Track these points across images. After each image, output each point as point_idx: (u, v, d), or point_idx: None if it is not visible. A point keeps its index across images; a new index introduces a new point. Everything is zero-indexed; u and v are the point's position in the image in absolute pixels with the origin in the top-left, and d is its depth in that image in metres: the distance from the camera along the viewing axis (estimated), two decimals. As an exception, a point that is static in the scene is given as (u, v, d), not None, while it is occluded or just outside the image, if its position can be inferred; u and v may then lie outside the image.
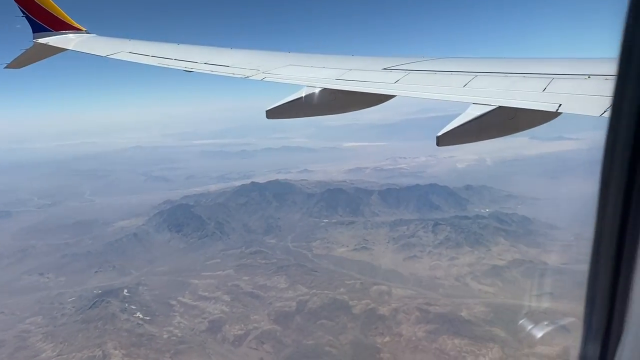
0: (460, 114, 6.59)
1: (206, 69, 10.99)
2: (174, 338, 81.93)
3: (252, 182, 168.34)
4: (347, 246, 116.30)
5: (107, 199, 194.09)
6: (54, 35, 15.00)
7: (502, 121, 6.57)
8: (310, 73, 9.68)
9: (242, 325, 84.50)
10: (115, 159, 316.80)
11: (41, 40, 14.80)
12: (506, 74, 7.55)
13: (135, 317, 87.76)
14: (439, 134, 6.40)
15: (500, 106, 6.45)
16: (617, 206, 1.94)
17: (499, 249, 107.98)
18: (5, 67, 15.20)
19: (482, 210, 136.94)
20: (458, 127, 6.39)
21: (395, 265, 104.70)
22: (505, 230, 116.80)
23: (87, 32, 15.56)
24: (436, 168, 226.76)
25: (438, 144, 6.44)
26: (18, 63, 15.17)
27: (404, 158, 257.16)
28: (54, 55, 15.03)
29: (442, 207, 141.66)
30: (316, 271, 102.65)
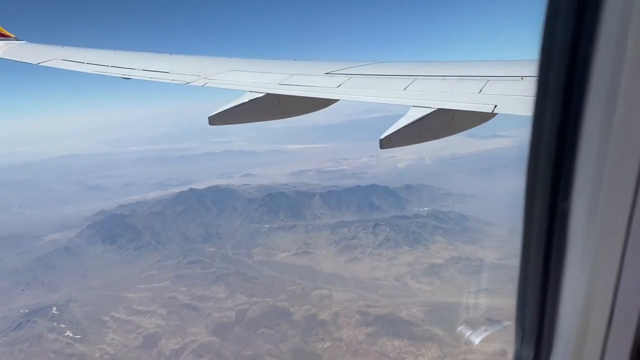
0: (401, 114, 6.74)
1: (145, 75, 10.72)
2: (107, 356, 78.34)
3: (191, 189, 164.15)
4: (289, 251, 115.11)
5: (37, 211, 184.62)
6: None
7: (442, 123, 6.74)
8: (253, 78, 9.60)
9: (179, 339, 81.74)
10: (47, 168, 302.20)
11: None
12: (444, 77, 7.70)
13: (65, 336, 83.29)
14: (382, 137, 6.50)
15: (439, 108, 6.60)
16: (544, 204, 1.96)
17: (437, 247, 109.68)
18: None
19: (421, 209, 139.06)
20: (400, 129, 6.50)
21: (336, 268, 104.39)
22: (443, 228, 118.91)
23: (16, 39, 14.83)
24: (377, 168, 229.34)
25: (381, 147, 6.58)
26: None
27: (347, 159, 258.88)
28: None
29: (383, 208, 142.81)
30: (257, 278, 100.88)
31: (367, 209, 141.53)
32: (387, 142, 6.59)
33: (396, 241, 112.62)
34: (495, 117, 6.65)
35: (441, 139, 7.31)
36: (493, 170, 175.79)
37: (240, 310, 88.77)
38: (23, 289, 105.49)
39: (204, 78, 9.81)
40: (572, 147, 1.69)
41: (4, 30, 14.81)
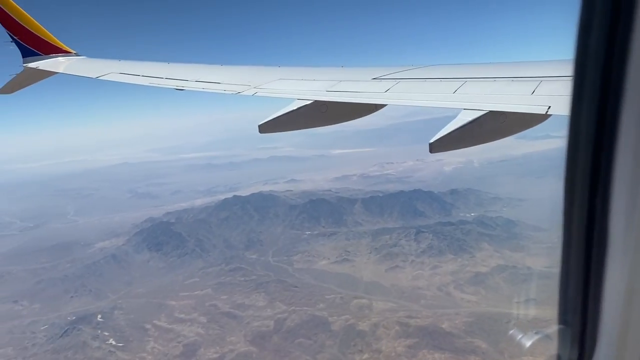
0: (448, 115, 6.67)
1: (197, 86, 11.00)
2: (147, 365, 79.30)
3: (235, 196, 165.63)
4: (329, 259, 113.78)
5: (90, 218, 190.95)
6: (44, 59, 15.00)
7: (494, 125, 6.61)
8: (301, 86, 9.68)
9: (218, 348, 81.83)
10: (102, 176, 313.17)
11: (31, 65, 14.79)
12: (495, 79, 7.60)
13: (108, 344, 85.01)
14: (431, 140, 6.37)
15: (490, 111, 6.48)
16: (583, 204, 1.98)
17: (482, 254, 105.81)
18: None
19: (467, 215, 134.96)
20: (450, 133, 6.35)
21: (376, 277, 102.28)
22: (490, 234, 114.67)
23: (76, 55, 15.55)
24: (423, 172, 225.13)
25: (431, 151, 6.50)
26: (9, 88, 15.11)
27: (391, 163, 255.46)
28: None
29: (426, 214, 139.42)
30: (296, 286, 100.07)
31: (410, 215, 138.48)
32: (437, 146, 6.47)
33: (440, 249, 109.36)
34: (548, 118, 6.57)
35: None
36: (544, 172, 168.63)
37: (279, 319, 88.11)
38: (72, 296, 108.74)
39: (254, 87, 10.01)
40: (609, 146, 1.69)
41: (65, 46, 15.46)
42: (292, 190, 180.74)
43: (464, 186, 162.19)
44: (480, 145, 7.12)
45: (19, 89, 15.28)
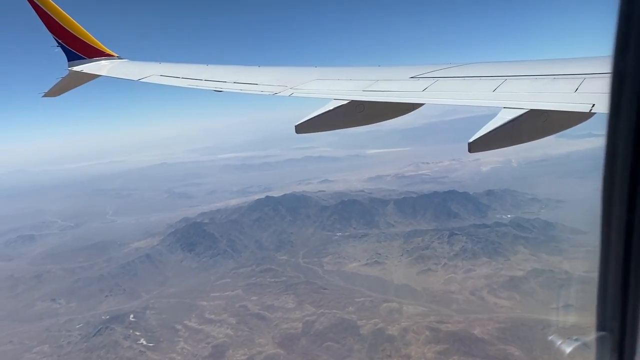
0: (487, 114, 6.56)
1: (235, 87, 11.21)
2: (176, 366, 79.90)
3: (267, 196, 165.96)
4: (359, 261, 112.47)
5: (128, 218, 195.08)
6: (88, 63, 15.44)
7: (535, 124, 6.52)
8: (337, 86, 9.64)
9: (246, 350, 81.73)
10: (141, 176, 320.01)
11: (76, 68, 15.22)
12: (536, 77, 7.45)
13: (139, 344, 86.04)
14: (471, 140, 6.24)
15: (532, 109, 6.36)
16: (622, 206, 1.95)
17: (518, 258, 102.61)
18: (43, 96, 15.60)
19: (503, 217, 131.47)
20: (489, 132, 6.22)
21: (407, 280, 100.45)
22: (526, 237, 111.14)
23: (118, 58, 15.90)
24: (460, 172, 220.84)
25: (470, 151, 6.34)
26: (55, 92, 15.55)
27: (427, 163, 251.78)
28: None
29: (461, 215, 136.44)
30: (326, 289, 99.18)
31: (444, 216, 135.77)
32: (476, 146, 6.27)
33: (473, 252, 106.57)
34: (591, 117, 6.37)
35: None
36: (586, 172, 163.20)
37: (308, 321, 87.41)
38: (106, 295, 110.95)
39: (290, 88, 9.98)
40: None
41: (108, 50, 15.82)
42: (324, 191, 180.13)
43: (501, 187, 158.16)
44: (520, 145, 7.00)
45: (65, 91, 15.71)
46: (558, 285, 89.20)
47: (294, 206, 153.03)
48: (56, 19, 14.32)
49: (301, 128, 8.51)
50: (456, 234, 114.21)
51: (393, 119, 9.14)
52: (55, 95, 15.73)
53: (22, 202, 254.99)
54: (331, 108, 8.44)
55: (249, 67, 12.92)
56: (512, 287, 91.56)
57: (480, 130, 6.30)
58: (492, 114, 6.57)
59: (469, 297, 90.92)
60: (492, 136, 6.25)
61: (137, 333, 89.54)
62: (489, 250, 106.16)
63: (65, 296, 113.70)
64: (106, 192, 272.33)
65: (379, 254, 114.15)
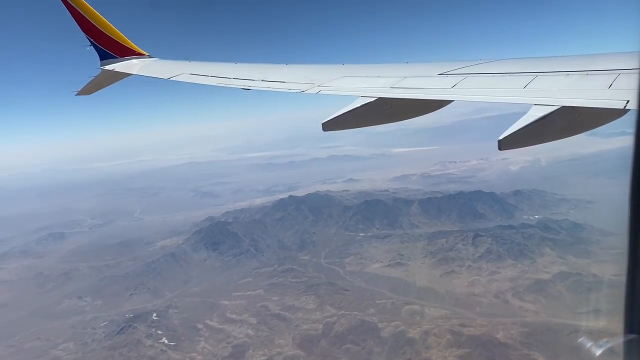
0: (517, 112, 6.48)
1: (263, 85, 11.22)
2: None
3: (290, 196, 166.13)
4: (382, 262, 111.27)
5: (155, 216, 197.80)
6: (119, 62, 15.70)
7: (567, 121, 6.42)
8: (365, 83, 9.58)
9: (266, 350, 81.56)
10: (169, 175, 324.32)
11: (108, 67, 15.53)
12: (568, 73, 7.29)
13: (160, 342, 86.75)
14: (501, 137, 6.16)
15: (563, 106, 6.27)
16: None
17: (544, 260, 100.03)
18: (76, 95, 15.85)
19: (530, 218, 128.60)
20: (520, 129, 6.14)
21: (430, 282, 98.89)
22: (553, 239, 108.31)
23: (149, 57, 16.12)
24: (487, 172, 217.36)
25: (500, 148, 6.22)
26: (87, 90, 15.82)
27: (454, 162, 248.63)
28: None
29: (487, 216, 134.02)
30: (347, 290, 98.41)
31: (470, 217, 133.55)
32: (506, 143, 6.14)
33: (498, 253, 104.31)
34: (625, 113, 6.12)
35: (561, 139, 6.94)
36: (618, 172, 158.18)
37: (328, 323, 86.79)
38: (131, 294, 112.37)
39: (318, 86, 9.95)
40: None
41: (139, 49, 16.02)
42: (348, 190, 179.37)
43: (529, 187, 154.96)
44: (549, 144, 6.92)
45: (97, 90, 15.97)
46: (586, 288, 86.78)
47: (317, 206, 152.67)
48: (89, 19, 14.65)
49: (328, 125, 8.51)
50: (481, 235, 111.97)
51: (421, 117, 9.07)
52: (87, 94, 16.07)
53: (53, 201, 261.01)
54: (358, 105, 8.43)
55: (277, 65, 13.02)
56: (537, 291, 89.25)
57: (511, 128, 6.22)
58: (522, 112, 6.48)
59: (492, 300, 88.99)
60: (522, 133, 6.17)
61: (159, 332, 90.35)
62: (515, 252, 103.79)
63: (92, 294, 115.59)
64: (134, 190, 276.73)
65: (402, 255, 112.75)
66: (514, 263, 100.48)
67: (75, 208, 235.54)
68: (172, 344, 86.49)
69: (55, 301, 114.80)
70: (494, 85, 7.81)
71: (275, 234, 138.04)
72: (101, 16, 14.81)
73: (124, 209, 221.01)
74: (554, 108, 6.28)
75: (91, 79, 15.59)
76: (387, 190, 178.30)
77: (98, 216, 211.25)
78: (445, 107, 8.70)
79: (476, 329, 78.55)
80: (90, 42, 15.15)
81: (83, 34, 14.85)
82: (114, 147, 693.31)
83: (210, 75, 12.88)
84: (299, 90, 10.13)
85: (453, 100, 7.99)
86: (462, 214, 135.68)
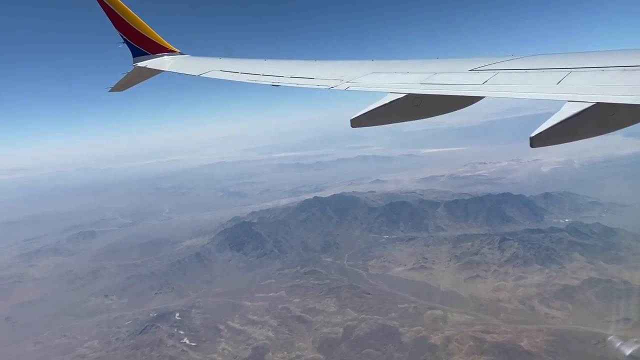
0: (550, 112, 6.38)
1: (292, 82, 11.25)
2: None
3: (315, 197, 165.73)
4: (405, 265, 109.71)
5: (183, 216, 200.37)
6: (152, 58, 15.96)
7: (602, 118, 6.27)
8: (394, 79, 9.55)
9: (286, 353, 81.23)
10: (199, 175, 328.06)
11: (140, 64, 15.77)
12: (603, 68, 7.11)
13: (182, 343, 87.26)
14: (533, 134, 6.05)
15: (598, 102, 6.12)
16: None
17: (573, 266, 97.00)
18: (110, 91, 16.16)
19: (560, 221, 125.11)
20: (553, 126, 6.04)
21: (454, 287, 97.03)
22: (583, 244, 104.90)
23: (181, 53, 16.35)
24: (518, 173, 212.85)
25: (532, 145, 6.10)
26: (121, 86, 16.07)
27: (484, 163, 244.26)
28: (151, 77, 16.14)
29: (515, 219, 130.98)
30: (369, 293, 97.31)
31: (497, 220, 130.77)
32: (539, 140, 6.02)
33: (525, 258, 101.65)
34: None
35: (596, 139, 6.72)
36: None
37: (349, 326, 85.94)
38: (156, 293, 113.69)
39: (347, 82, 9.93)
40: None
41: (170, 45, 16.25)
42: (374, 192, 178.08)
43: (560, 189, 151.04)
44: (583, 144, 6.71)
45: (130, 86, 16.20)
46: (616, 296, 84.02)
47: (341, 207, 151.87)
48: (122, 16, 14.86)
49: (356, 122, 8.42)
50: (508, 239, 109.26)
51: (451, 118, 8.59)
52: (121, 90, 16.31)
53: (86, 199, 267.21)
54: (387, 101, 8.37)
55: (306, 62, 12.95)
56: (565, 297, 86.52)
57: (544, 124, 6.10)
58: (555, 111, 6.36)
59: (518, 307, 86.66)
60: (555, 130, 6.03)
61: (181, 332, 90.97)
62: (542, 257, 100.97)
63: (118, 292, 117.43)
64: (165, 190, 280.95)
65: (426, 259, 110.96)
66: (541, 268, 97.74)
67: (106, 207, 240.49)
68: (193, 344, 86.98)
69: (83, 299, 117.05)
70: (526, 81, 7.68)
71: (299, 235, 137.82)
72: (134, 13, 15.05)
73: (154, 208, 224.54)
74: (589, 105, 6.14)
75: (124, 75, 15.86)
76: (414, 192, 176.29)
77: (128, 215, 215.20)
78: (475, 107, 8.71)
79: (500, 336, 76.59)
80: (123, 39, 15.42)
81: (116, 31, 15.12)
82: (147, 147, 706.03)
83: (239, 71, 12.95)
84: (328, 87, 10.10)
85: (484, 97, 7.93)
86: (490, 217, 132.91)
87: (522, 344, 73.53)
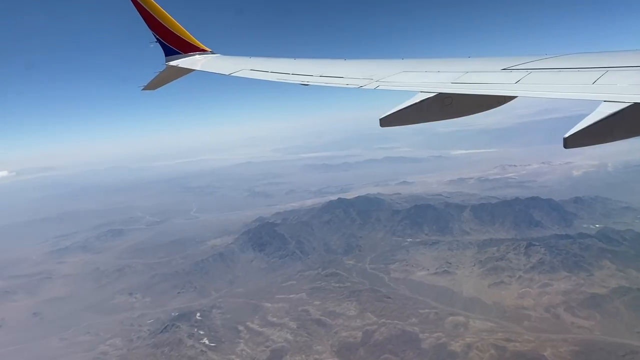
0: (584, 113, 6.26)
1: (321, 81, 11.23)
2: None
3: (339, 198, 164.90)
4: (428, 269, 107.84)
5: (209, 215, 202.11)
6: (183, 58, 16.31)
7: (639, 119, 6.03)
8: (425, 78, 9.49)
9: (303, 357, 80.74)
10: (226, 175, 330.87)
11: (172, 63, 16.13)
12: None
13: (201, 343, 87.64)
14: (567, 134, 5.95)
15: (636, 102, 5.98)
16: None
17: (602, 274, 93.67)
18: (142, 90, 16.55)
19: (590, 227, 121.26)
20: (588, 126, 5.91)
21: (477, 293, 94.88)
22: (613, 251, 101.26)
23: (212, 53, 16.66)
24: (549, 176, 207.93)
25: (566, 146, 6.00)
26: (153, 85, 16.47)
27: (514, 166, 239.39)
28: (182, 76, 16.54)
29: (543, 224, 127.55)
30: (390, 297, 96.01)
31: (525, 225, 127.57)
32: (573, 141, 5.92)
33: (552, 265, 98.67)
34: None
35: (631, 141, 6.63)
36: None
37: (368, 331, 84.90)
38: (179, 292, 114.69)
39: (376, 81, 9.86)
40: None
41: (202, 45, 16.55)
42: (400, 194, 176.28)
43: (592, 193, 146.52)
44: (618, 147, 6.55)
45: (162, 85, 16.54)
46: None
47: (365, 209, 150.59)
48: (156, 16, 15.26)
49: (386, 121, 8.38)
50: (534, 245, 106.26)
51: (481, 119, 7.94)
52: (153, 89, 16.63)
53: (116, 198, 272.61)
54: (417, 100, 8.27)
55: (335, 61, 13.01)
56: (592, 306, 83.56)
57: (578, 125, 5.97)
58: (590, 112, 6.22)
59: (542, 315, 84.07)
60: (590, 131, 5.88)
61: (201, 332, 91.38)
62: (570, 263, 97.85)
63: (142, 291, 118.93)
64: (193, 189, 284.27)
65: (450, 263, 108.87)
66: (568, 275, 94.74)
67: (136, 205, 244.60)
68: (213, 344, 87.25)
69: (108, 297, 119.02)
70: (561, 81, 7.54)
71: (321, 236, 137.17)
72: (167, 13, 15.40)
73: (181, 207, 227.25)
74: (626, 105, 5.97)
75: (156, 74, 16.18)
76: (440, 194, 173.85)
77: (156, 214, 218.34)
78: (507, 107, 8.66)
79: (522, 345, 74.52)
80: (156, 38, 15.74)
81: (149, 31, 15.47)
82: (177, 146, 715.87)
83: (269, 70, 12.97)
84: (357, 86, 10.02)
85: (517, 96, 7.82)
86: (517, 221, 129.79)
87: (545, 353, 71.42)
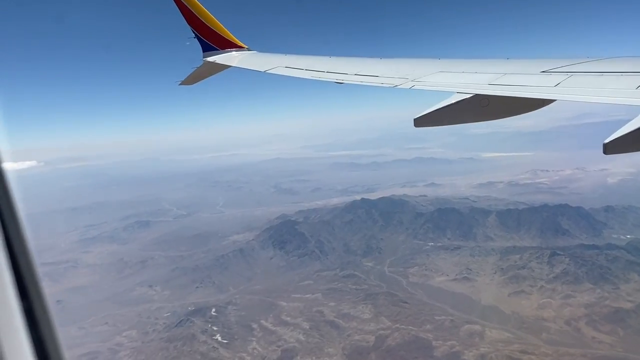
0: (624, 118, 6.10)
1: (356, 79, 11.21)
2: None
3: (363, 199, 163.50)
4: (447, 275, 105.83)
5: (235, 210, 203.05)
6: (220, 54, 16.50)
7: None
8: (461, 79, 9.30)
9: (314, 358, 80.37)
10: (255, 170, 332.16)
11: (209, 59, 16.38)
12: None
13: (214, 339, 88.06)
14: (607, 140, 5.78)
15: None
16: None
17: (628, 287, 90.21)
18: (180, 84, 16.84)
19: (620, 237, 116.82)
20: (630, 133, 5.74)
21: (496, 301, 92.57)
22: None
23: (248, 49, 16.83)
24: (581, 183, 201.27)
25: (605, 152, 5.82)
26: (190, 80, 16.76)
27: (547, 171, 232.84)
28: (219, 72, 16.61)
29: (571, 233, 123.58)
30: (406, 302, 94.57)
31: (551, 233, 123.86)
32: (614, 147, 5.73)
33: (576, 276, 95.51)
34: None
35: None
36: None
37: (381, 335, 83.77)
38: (197, 287, 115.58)
39: (412, 80, 9.77)
40: None
41: (239, 42, 16.74)
42: (426, 196, 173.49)
43: (625, 202, 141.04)
44: None
45: (199, 80, 16.74)
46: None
47: (388, 210, 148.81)
48: (195, 13, 15.50)
49: (420, 122, 8.30)
50: (559, 254, 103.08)
51: (517, 121, 7.42)
52: (190, 84, 16.90)
53: (146, 189, 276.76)
54: (453, 101, 8.18)
55: (370, 59, 12.89)
56: (616, 321, 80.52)
57: (619, 130, 5.78)
58: (631, 117, 6.02)
59: (562, 327, 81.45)
60: (632, 137, 5.69)
61: (215, 328, 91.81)
62: (595, 275, 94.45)
63: (162, 283, 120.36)
64: (221, 183, 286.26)
65: (470, 270, 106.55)
66: (592, 287, 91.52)
67: (165, 198, 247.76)
68: (225, 341, 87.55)
69: (129, 288, 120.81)
70: (602, 85, 7.27)
71: (342, 236, 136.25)
72: (206, 10, 15.65)
73: (208, 201, 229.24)
74: None
75: (194, 69, 16.42)
76: (467, 198, 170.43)
77: (184, 207, 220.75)
78: (545, 111, 8.55)
79: (538, 358, 72.48)
80: (195, 34, 15.96)
81: (188, 26, 15.74)
82: (213, 139, 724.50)
83: (304, 68, 12.99)
84: (392, 85, 9.91)
85: (555, 100, 7.67)
86: (543, 229, 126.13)
87: (562, 368, 69.09)
